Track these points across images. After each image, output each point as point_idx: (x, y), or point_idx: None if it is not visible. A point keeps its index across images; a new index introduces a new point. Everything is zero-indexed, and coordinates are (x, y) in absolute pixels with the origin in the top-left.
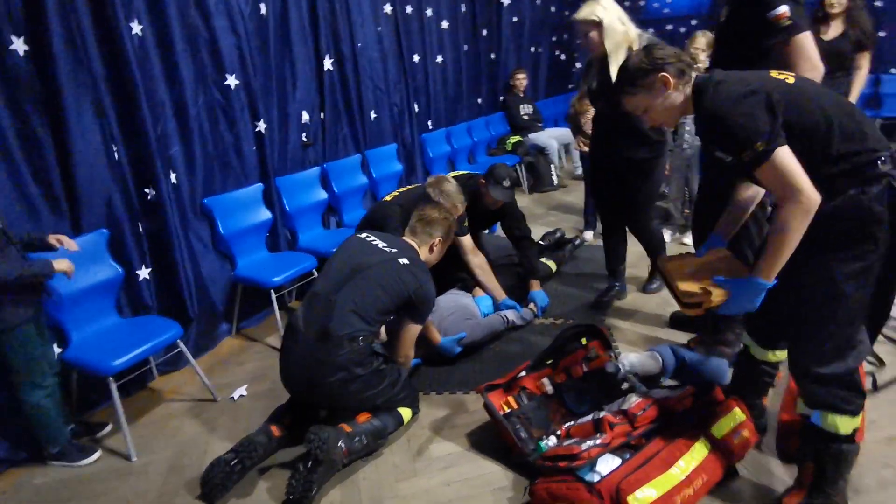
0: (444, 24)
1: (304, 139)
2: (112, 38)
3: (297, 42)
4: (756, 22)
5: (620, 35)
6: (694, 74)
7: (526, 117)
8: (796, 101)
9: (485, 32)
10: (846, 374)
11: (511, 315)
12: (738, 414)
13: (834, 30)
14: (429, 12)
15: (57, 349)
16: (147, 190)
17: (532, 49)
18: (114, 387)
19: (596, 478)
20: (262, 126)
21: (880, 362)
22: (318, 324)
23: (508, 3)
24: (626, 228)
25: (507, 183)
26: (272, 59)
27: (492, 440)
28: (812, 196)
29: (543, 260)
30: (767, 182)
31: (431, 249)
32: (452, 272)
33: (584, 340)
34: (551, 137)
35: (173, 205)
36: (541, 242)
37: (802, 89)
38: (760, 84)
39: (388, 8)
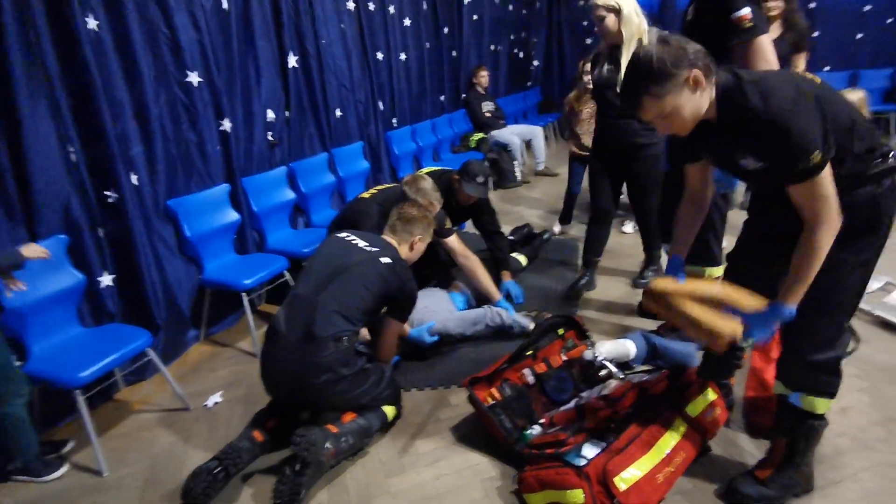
0: (407, 22)
1: (270, 138)
2: (68, 34)
3: (261, 38)
4: (720, 22)
5: (636, 26)
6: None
7: (488, 114)
8: (830, 102)
9: (446, 30)
10: (835, 360)
11: (504, 315)
12: (710, 393)
13: (772, 32)
14: (391, 9)
15: (16, 363)
16: (107, 192)
17: (492, 47)
18: (81, 399)
19: (583, 462)
20: (226, 125)
21: None
22: (302, 326)
23: (469, 2)
24: (611, 223)
25: (480, 179)
26: (235, 56)
27: (477, 432)
28: (839, 219)
29: (514, 255)
30: (803, 198)
31: (412, 247)
32: (427, 269)
33: (560, 331)
34: (513, 134)
35: (136, 207)
36: (511, 237)
37: (829, 89)
38: (805, 86)
39: (350, 5)
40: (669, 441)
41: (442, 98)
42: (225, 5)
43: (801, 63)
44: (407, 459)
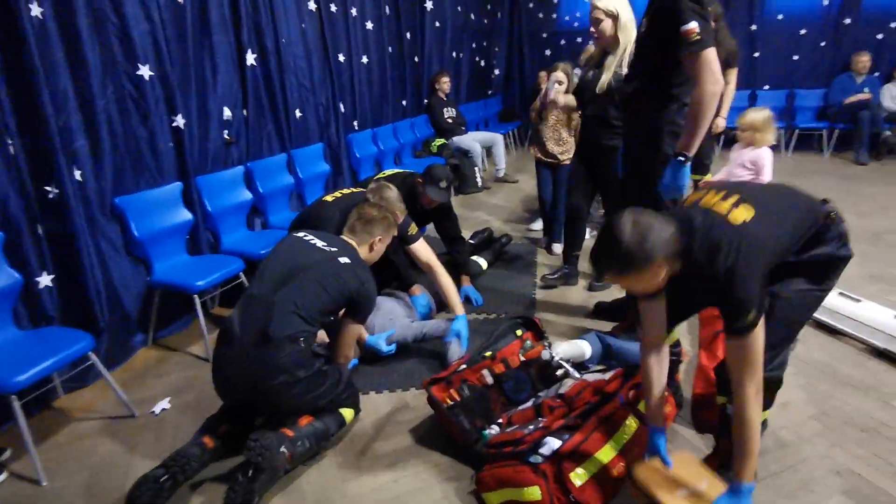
0: (369, 25)
1: (227, 136)
2: (9, 20)
3: (218, 33)
4: (670, 34)
5: (630, 34)
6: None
7: (450, 120)
8: (772, 237)
9: (409, 35)
10: (778, 379)
11: (453, 347)
12: None
13: None
14: (353, 12)
15: None
16: (48, 188)
17: (454, 54)
18: (17, 405)
19: (539, 459)
20: (180, 121)
21: None
22: (257, 326)
23: (431, 8)
24: (584, 220)
25: (443, 184)
26: (190, 51)
27: (436, 434)
28: (761, 383)
29: (475, 258)
30: (733, 356)
31: (371, 248)
32: (387, 270)
33: (519, 332)
34: (475, 140)
35: (78, 204)
36: (471, 241)
37: (762, 207)
38: (753, 243)
39: (312, 5)
40: (623, 437)
41: (404, 102)
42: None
43: (732, 78)
44: (365, 463)
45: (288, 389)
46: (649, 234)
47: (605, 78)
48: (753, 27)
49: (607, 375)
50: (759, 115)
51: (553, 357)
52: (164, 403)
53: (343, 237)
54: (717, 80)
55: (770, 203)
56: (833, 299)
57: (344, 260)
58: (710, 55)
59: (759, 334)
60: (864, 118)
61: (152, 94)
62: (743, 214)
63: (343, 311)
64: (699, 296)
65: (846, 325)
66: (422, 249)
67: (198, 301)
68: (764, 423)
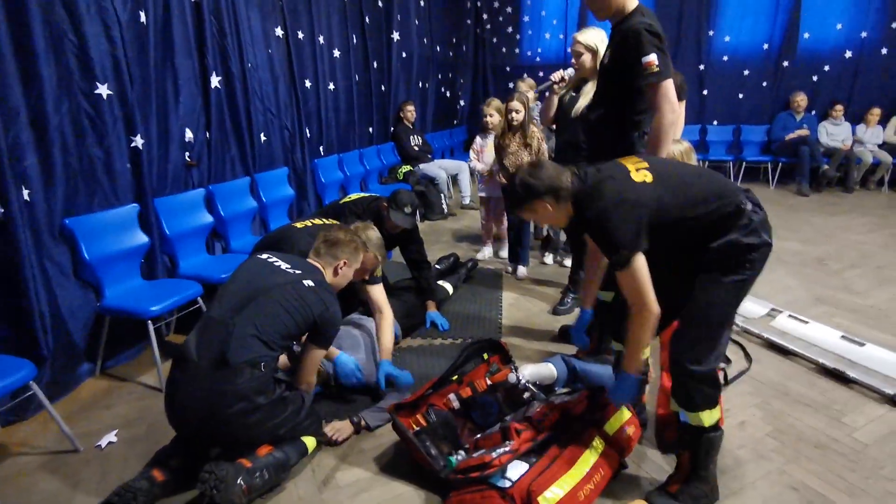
0: (336, 53)
1: (188, 159)
2: None
3: (181, 55)
4: (631, 65)
5: None
6: (570, 184)
7: (416, 148)
8: (660, 198)
9: (375, 65)
10: (711, 372)
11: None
12: (625, 412)
13: None
14: (321, 40)
15: None
16: None
17: (420, 84)
18: None
19: (507, 483)
20: (138, 141)
21: (727, 360)
22: (214, 350)
23: (398, 39)
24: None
25: (408, 209)
26: (151, 71)
27: (402, 462)
28: (654, 310)
29: (441, 283)
30: (623, 284)
31: (336, 272)
32: (352, 295)
33: (485, 356)
34: (441, 168)
35: (25, 225)
36: (437, 266)
37: (661, 181)
38: (630, 194)
39: (279, 32)
40: (590, 459)
41: (371, 129)
42: (143, 19)
43: (681, 111)
44: (328, 494)
45: (245, 417)
46: (539, 172)
47: (582, 103)
48: (701, 67)
49: (573, 398)
50: (678, 147)
51: (520, 380)
52: (111, 436)
53: (309, 260)
54: (674, 110)
55: (672, 176)
56: (783, 321)
57: (308, 283)
58: (669, 86)
59: (635, 269)
60: (803, 153)
61: (110, 113)
62: (643, 177)
63: (306, 336)
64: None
65: (797, 346)
66: (379, 292)
67: (151, 327)
68: (716, 428)
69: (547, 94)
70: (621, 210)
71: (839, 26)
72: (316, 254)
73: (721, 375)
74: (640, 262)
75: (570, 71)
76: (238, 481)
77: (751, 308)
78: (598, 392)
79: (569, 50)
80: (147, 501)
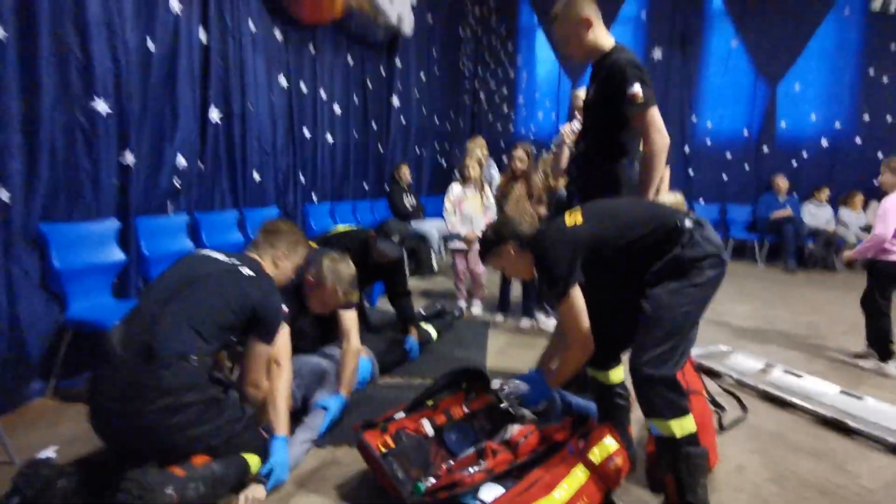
0: (337, 109)
1: (177, 184)
2: None
3: (183, 86)
4: (617, 97)
5: None
6: (531, 233)
7: (410, 207)
8: (592, 233)
9: (375, 126)
10: (671, 376)
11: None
12: (612, 443)
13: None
14: (323, 94)
15: None
16: None
17: (416, 149)
18: None
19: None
20: (129, 159)
21: (722, 408)
22: (140, 341)
23: (398, 105)
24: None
25: (395, 238)
26: (151, 96)
27: (366, 490)
28: (588, 337)
29: (425, 326)
30: (562, 314)
31: (276, 264)
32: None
33: (464, 385)
34: (433, 227)
35: None
36: (422, 312)
37: (594, 217)
38: (562, 235)
39: (283, 81)
40: (572, 485)
41: (365, 185)
42: (151, 46)
43: (665, 175)
44: None
45: (169, 416)
46: (505, 220)
47: None
48: (686, 149)
49: (555, 424)
50: (670, 198)
51: (503, 387)
52: (50, 452)
53: (247, 253)
54: (663, 135)
55: (602, 211)
56: (779, 375)
57: (246, 271)
58: (655, 113)
59: (572, 300)
60: (788, 231)
61: (104, 128)
62: (574, 220)
63: (246, 328)
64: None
65: (794, 398)
66: (348, 318)
67: None
68: (692, 441)
69: (556, 147)
70: (555, 250)
71: (813, 116)
72: (254, 245)
73: (715, 420)
74: (576, 293)
75: (576, 124)
76: (167, 490)
77: (745, 363)
78: (583, 420)
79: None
80: (50, 478)
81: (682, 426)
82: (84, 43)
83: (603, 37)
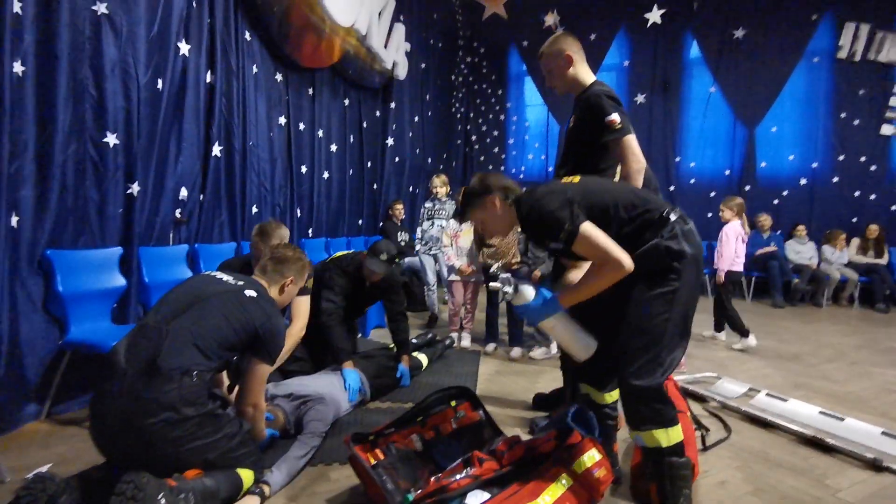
0: (333, 148)
1: (178, 215)
2: None
3: (189, 122)
4: (595, 124)
5: None
6: (515, 192)
7: (402, 243)
8: (586, 192)
9: (369, 164)
10: (657, 387)
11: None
12: (596, 454)
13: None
14: (320, 133)
15: None
16: None
17: (410, 188)
18: None
19: None
20: (134, 189)
21: (706, 429)
22: (145, 356)
23: (392, 145)
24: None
25: (384, 256)
26: (159, 129)
27: (356, 502)
28: (622, 257)
29: (416, 354)
30: (585, 252)
31: (282, 290)
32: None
33: (453, 403)
34: (426, 264)
35: (6, 248)
36: (414, 340)
37: (588, 183)
38: (557, 189)
39: (282, 120)
40: (555, 492)
41: (360, 221)
42: (159, 85)
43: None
44: None
45: (169, 430)
46: (488, 177)
47: None
48: (671, 188)
49: (540, 436)
50: (734, 202)
51: (497, 273)
52: (42, 470)
53: (254, 277)
54: (639, 160)
55: (598, 182)
56: (762, 399)
57: (250, 293)
58: (631, 140)
59: (587, 233)
60: (773, 267)
61: (113, 161)
62: (569, 180)
63: (247, 349)
64: (537, 241)
65: (776, 419)
66: (303, 304)
67: None
68: (678, 452)
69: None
70: (551, 197)
71: (791, 157)
72: (262, 271)
73: (699, 438)
74: (588, 226)
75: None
76: (160, 497)
77: (729, 388)
78: (567, 432)
79: None
80: (55, 495)
81: (669, 436)
82: (98, 81)
83: (584, 72)
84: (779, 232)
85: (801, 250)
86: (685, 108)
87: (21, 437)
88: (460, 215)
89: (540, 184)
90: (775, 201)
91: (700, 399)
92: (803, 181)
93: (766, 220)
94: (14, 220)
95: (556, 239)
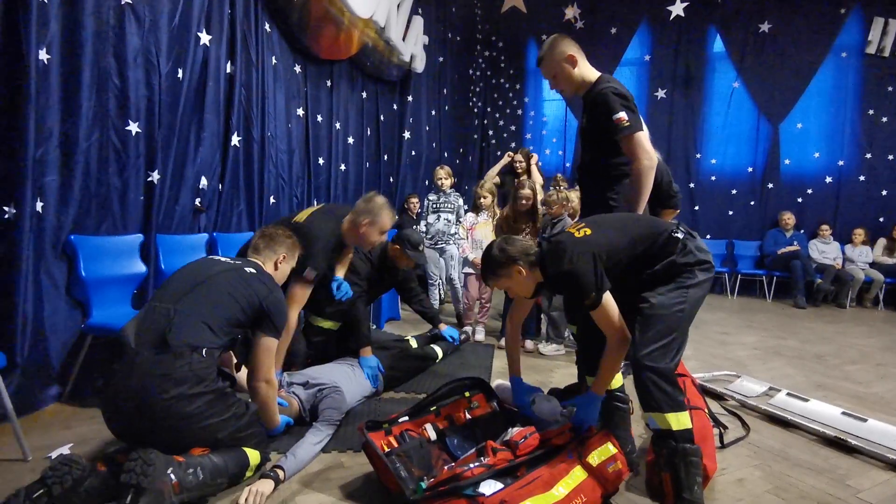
0: (350, 140)
1: (198, 204)
2: (16, 56)
3: (209, 112)
4: (606, 123)
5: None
6: (537, 251)
7: None
8: (605, 242)
9: (386, 157)
10: (668, 371)
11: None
12: (611, 447)
13: None
14: (337, 125)
15: None
16: (6, 208)
17: (426, 182)
18: None
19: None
20: (155, 177)
21: (724, 427)
22: (155, 335)
23: (409, 138)
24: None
25: (421, 247)
26: (179, 118)
27: (369, 490)
28: (626, 335)
29: (432, 346)
30: (600, 320)
31: (276, 266)
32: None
33: (467, 393)
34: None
35: (31, 232)
36: (428, 333)
37: (601, 232)
38: (581, 248)
39: (300, 112)
40: (569, 483)
41: None
42: (180, 75)
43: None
44: None
45: (181, 406)
46: (510, 245)
47: None
48: (692, 185)
49: (555, 428)
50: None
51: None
52: (64, 450)
53: (248, 257)
54: (650, 157)
55: (606, 225)
56: (782, 398)
57: (249, 269)
58: (641, 136)
59: (606, 305)
60: (796, 267)
61: (135, 149)
62: (583, 233)
63: (253, 324)
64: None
65: (797, 419)
66: (301, 292)
67: None
68: (688, 438)
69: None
70: (579, 261)
71: (817, 154)
72: (254, 250)
73: (717, 436)
74: (609, 298)
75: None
76: (168, 472)
77: (748, 386)
78: (582, 427)
79: None
80: (81, 478)
81: (679, 420)
82: (121, 70)
83: (588, 71)
84: (802, 231)
85: (824, 250)
86: (707, 104)
87: (44, 417)
88: (483, 278)
89: (559, 243)
90: (799, 199)
91: (718, 397)
92: (829, 179)
93: (789, 218)
94: (39, 206)
95: (581, 301)
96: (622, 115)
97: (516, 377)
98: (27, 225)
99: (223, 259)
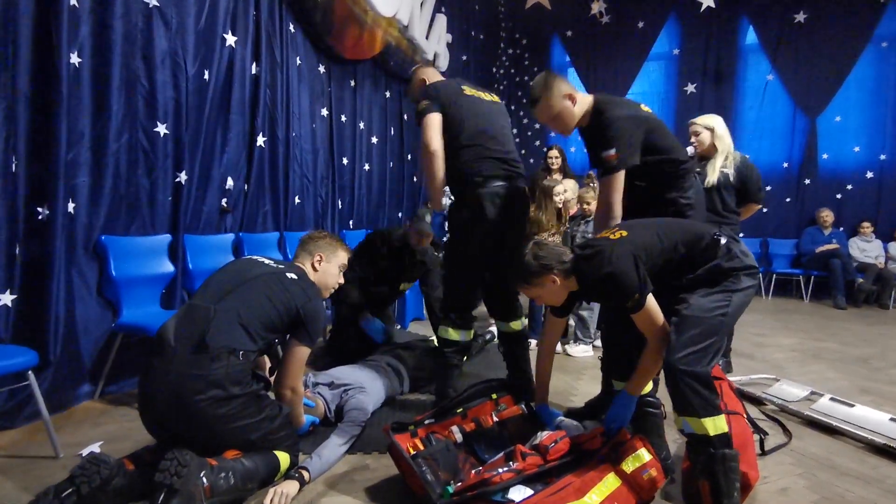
0: (374, 140)
1: (224, 204)
2: (48, 60)
3: (235, 112)
4: (597, 155)
5: (727, 144)
6: (570, 259)
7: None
8: (644, 244)
9: (410, 157)
10: (706, 374)
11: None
12: (645, 454)
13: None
14: (361, 125)
15: None
16: (39, 209)
17: None
18: None
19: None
20: (182, 177)
21: (764, 433)
22: (194, 335)
23: None
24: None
25: (428, 217)
26: (205, 119)
27: (395, 493)
28: (666, 334)
29: None
30: (642, 322)
31: (314, 267)
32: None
33: (494, 395)
34: None
35: (63, 233)
36: None
37: (636, 228)
38: (615, 249)
39: (324, 112)
40: (603, 490)
41: (400, 214)
42: (206, 76)
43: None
44: None
45: (216, 407)
46: (544, 253)
47: (711, 177)
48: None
49: (586, 432)
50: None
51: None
52: (94, 447)
53: (293, 262)
54: (608, 203)
55: (641, 228)
56: (825, 403)
57: (291, 275)
58: (615, 180)
59: (649, 307)
60: (835, 266)
61: (163, 150)
62: (619, 235)
63: (289, 330)
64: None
65: (842, 425)
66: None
67: None
68: (726, 443)
69: None
70: (622, 262)
71: (857, 149)
72: (296, 256)
73: (757, 442)
74: (652, 300)
75: (691, 149)
76: (201, 475)
77: (789, 391)
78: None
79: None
80: (109, 477)
81: (716, 425)
82: (150, 72)
83: (585, 101)
84: (841, 228)
85: (865, 248)
86: (739, 98)
87: (75, 415)
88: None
89: (600, 246)
90: (838, 196)
91: (756, 402)
92: (869, 174)
93: (827, 215)
94: (71, 207)
95: (622, 304)
96: (612, 151)
97: (544, 405)
98: (59, 225)
99: (266, 261)
